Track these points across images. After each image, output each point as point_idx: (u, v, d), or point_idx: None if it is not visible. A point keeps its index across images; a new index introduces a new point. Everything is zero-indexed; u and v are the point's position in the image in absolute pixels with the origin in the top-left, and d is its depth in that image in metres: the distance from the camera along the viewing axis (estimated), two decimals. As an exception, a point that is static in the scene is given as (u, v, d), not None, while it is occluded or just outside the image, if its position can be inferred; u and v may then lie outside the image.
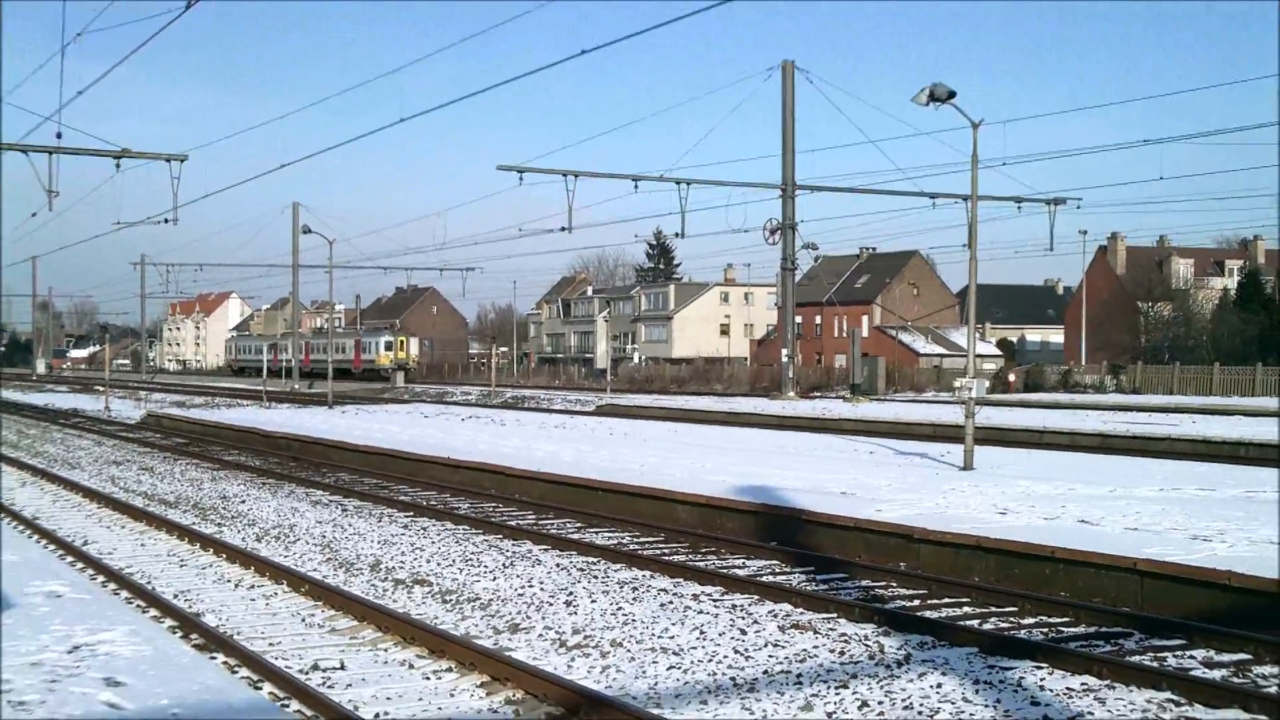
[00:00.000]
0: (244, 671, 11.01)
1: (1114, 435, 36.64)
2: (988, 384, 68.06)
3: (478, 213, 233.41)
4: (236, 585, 15.65)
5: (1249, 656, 11.69)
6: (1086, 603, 13.97)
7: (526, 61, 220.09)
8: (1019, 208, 58.00)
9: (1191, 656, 11.78)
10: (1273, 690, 10.68)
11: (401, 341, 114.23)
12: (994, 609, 13.91)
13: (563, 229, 54.52)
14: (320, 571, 16.43)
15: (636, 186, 55.88)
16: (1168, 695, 10.32)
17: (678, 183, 55.39)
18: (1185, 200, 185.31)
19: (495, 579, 15.66)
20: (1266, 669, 11.35)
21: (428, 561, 17.06)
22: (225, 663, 11.26)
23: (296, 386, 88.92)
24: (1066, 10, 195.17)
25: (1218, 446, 33.66)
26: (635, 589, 14.90)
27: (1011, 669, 11.11)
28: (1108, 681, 10.74)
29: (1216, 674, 11.17)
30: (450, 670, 11.28)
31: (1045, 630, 12.97)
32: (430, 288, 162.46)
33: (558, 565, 16.69)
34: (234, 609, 14.17)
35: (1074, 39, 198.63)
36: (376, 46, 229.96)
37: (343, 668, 11.46)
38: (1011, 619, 13.50)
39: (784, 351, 63.46)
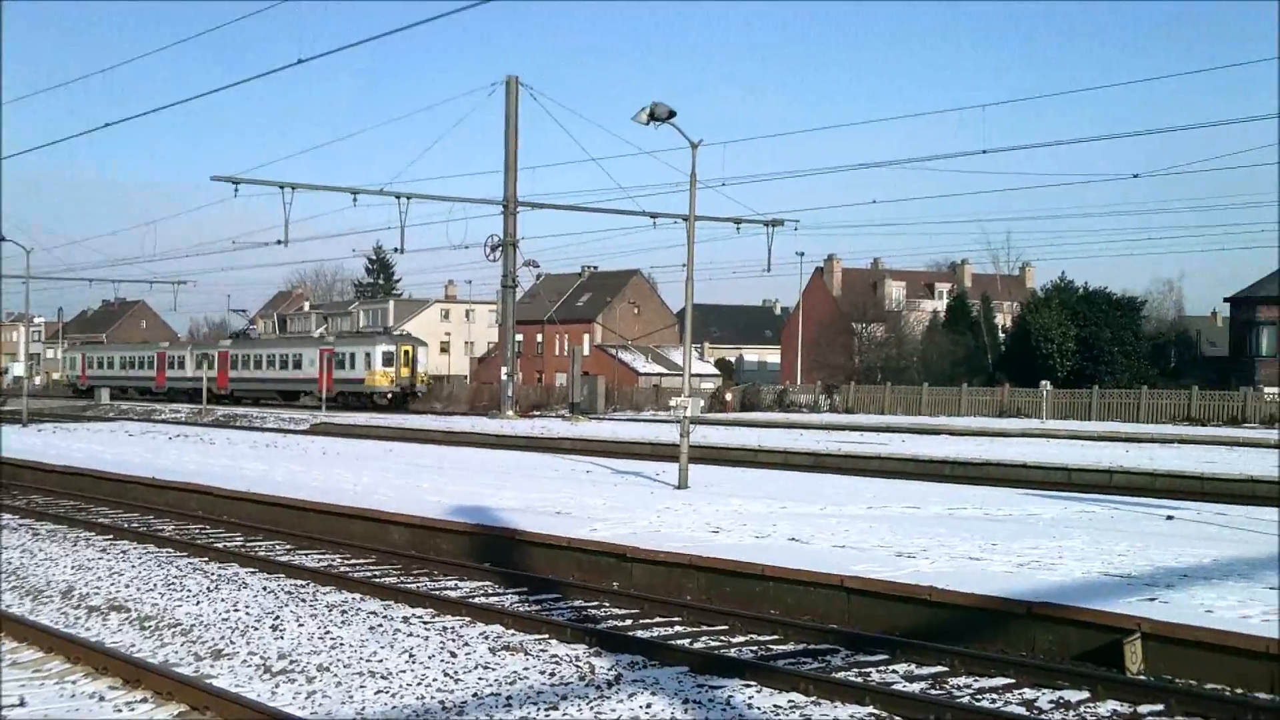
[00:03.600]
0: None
1: (826, 454, 37.58)
2: (703, 403, 69.38)
3: (191, 224, 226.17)
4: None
5: (947, 669, 12.02)
6: (795, 620, 14.17)
7: (242, 68, 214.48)
8: (738, 228, 59.28)
9: (894, 670, 12.03)
10: (965, 700, 10.99)
11: (406, 354, 78.66)
12: (705, 627, 13.99)
13: (279, 242, 53.40)
14: (3, 601, 15.51)
15: (355, 200, 55.22)
16: (870, 710, 10.49)
17: (398, 196, 54.91)
18: (898, 224, 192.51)
19: (199, 603, 15.04)
20: (962, 680, 11.69)
21: (126, 587, 16.28)
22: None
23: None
24: (786, 33, 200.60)
25: (925, 465, 34.85)
26: (344, 612, 14.50)
27: (721, 687, 11.15)
28: (814, 698, 10.86)
29: (916, 686, 11.44)
30: (146, 701, 10.72)
31: (755, 648, 13.09)
32: (140, 301, 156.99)
33: (265, 588, 16.13)
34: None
35: (792, 61, 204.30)
36: (82, 46, 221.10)
37: (22, 704, 10.76)
38: (722, 637, 13.59)
39: (504, 370, 63.33)
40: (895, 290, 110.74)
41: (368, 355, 77.64)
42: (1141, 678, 11.63)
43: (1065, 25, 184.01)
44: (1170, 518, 20.84)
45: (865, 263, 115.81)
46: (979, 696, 11.20)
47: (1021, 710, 10.78)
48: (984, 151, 39.96)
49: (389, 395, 76.35)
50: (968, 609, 13.36)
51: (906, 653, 12.54)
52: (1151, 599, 12.96)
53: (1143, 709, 10.69)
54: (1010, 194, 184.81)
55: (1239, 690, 11.24)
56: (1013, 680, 11.62)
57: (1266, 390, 62.49)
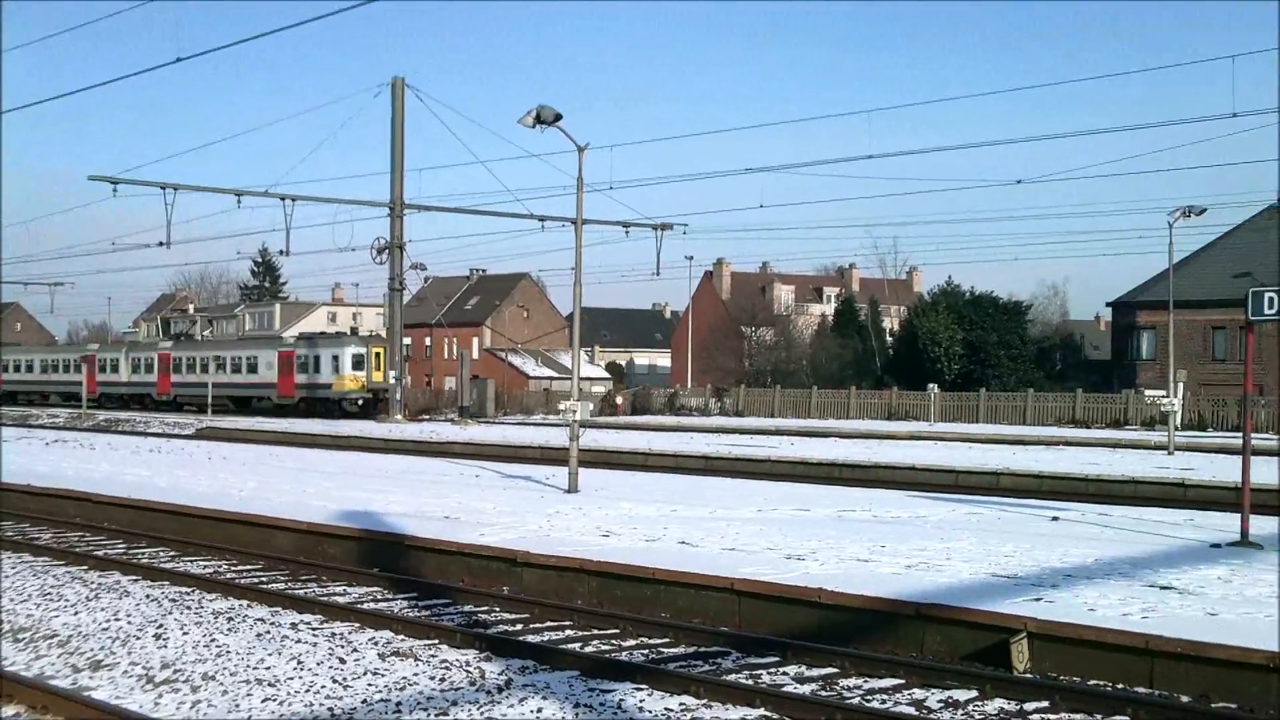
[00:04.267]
0: None
1: (717, 457, 37.72)
2: (593, 406, 69.30)
3: (69, 225, 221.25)
4: None
5: (837, 670, 12.08)
6: (686, 623, 14.17)
7: (121, 65, 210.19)
8: (627, 232, 59.32)
9: (784, 673, 12.07)
10: (855, 701, 11.04)
11: (378, 356, 69.50)
12: (596, 631, 13.94)
13: (161, 244, 52.55)
14: (-124, 610, 15.06)
15: (240, 201, 54.56)
16: (761, 712, 10.51)
17: (283, 198, 54.31)
18: (787, 228, 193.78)
19: (77, 613, 14.70)
20: (851, 680, 11.75)
21: None
22: None
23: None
24: (673, 37, 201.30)
25: (815, 467, 35.09)
26: (231, 619, 14.25)
27: (612, 691, 11.11)
28: (704, 701, 10.86)
29: (807, 688, 11.48)
30: (19, 716, 10.45)
31: (646, 651, 13.06)
32: (14, 303, 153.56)
33: (148, 596, 15.80)
34: None
35: (680, 65, 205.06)
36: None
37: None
38: (613, 641, 13.54)
39: (391, 373, 62.80)
40: (784, 294, 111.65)
41: (335, 358, 70.48)
42: (1028, 676, 11.78)
43: (949, 30, 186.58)
44: (1055, 519, 21.16)
45: (754, 266, 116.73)
46: (869, 697, 11.26)
47: (911, 710, 10.86)
48: (870, 156, 40.32)
49: (359, 401, 69.79)
50: (857, 610, 13.45)
51: (797, 654, 12.58)
52: (1037, 599, 13.14)
53: (1029, 706, 10.82)
54: (897, 199, 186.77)
55: (1120, 685, 11.44)
56: (902, 681, 11.71)
57: (1147, 393, 63.71)
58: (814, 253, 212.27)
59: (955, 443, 45.38)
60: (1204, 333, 68.88)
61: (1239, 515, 18.02)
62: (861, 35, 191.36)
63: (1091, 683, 11.57)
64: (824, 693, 11.38)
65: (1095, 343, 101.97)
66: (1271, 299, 17.27)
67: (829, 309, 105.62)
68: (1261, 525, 19.35)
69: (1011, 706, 10.87)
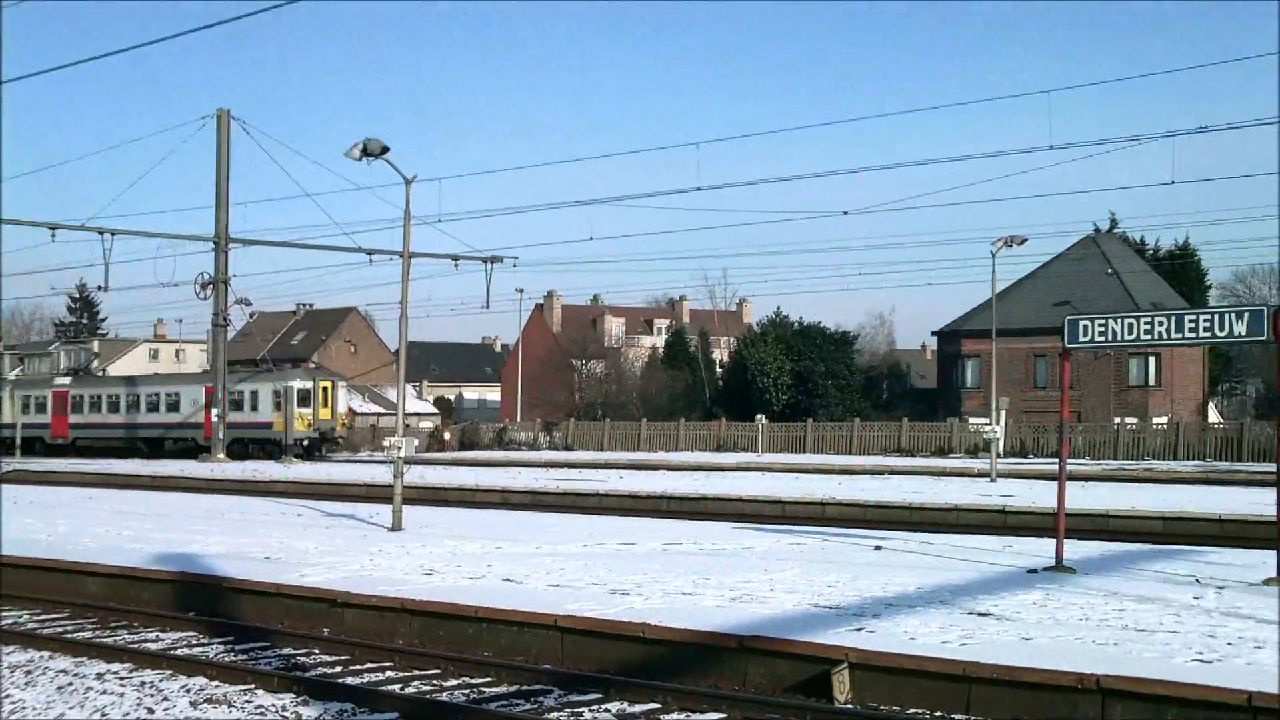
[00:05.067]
0: None
1: (544, 492, 37.52)
2: (416, 442, 68.39)
3: None
4: None
5: (659, 705, 11.97)
6: (509, 661, 13.96)
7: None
8: (456, 265, 58.96)
9: (607, 709, 11.92)
10: (681, 739, 10.97)
11: (325, 391, 65.63)
12: (417, 672, 13.64)
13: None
14: None
15: (54, 235, 53.06)
16: (582, 751, 10.36)
17: (101, 232, 52.94)
18: (618, 260, 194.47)
19: None
20: (674, 715, 11.66)
21: None
22: None
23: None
24: (499, 68, 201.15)
25: (642, 501, 35.08)
26: (29, 672, 13.63)
27: (430, 735, 10.87)
28: (526, 741, 10.69)
29: (630, 726, 11.37)
30: None
31: (468, 691, 12.82)
32: None
33: (-58, 649, 15.09)
34: None
35: (511, 98, 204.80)
36: None
37: None
38: (434, 681, 13.26)
39: (214, 411, 61.45)
40: (615, 326, 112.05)
41: (277, 394, 64.26)
42: (849, 706, 11.80)
43: (773, 62, 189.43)
44: (879, 548, 21.37)
45: (585, 299, 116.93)
46: (691, 732, 11.18)
47: (732, 744, 10.81)
48: (699, 189, 40.60)
49: (305, 442, 63.94)
50: (681, 644, 13.38)
51: (620, 691, 12.44)
52: (859, 629, 13.20)
53: (850, 738, 10.84)
54: (727, 230, 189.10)
55: (938, 713, 11.52)
56: (725, 715, 11.64)
57: (971, 420, 65.10)
58: (645, 285, 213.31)
59: (782, 473, 45.82)
60: (1026, 360, 70.66)
61: (1054, 541, 18.39)
62: (687, 67, 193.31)
63: (910, 711, 11.63)
64: (649, 730, 11.28)
65: (922, 371, 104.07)
66: (1087, 326, 17.70)
67: (660, 341, 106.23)
68: (1075, 549, 19.80)
69: (833, 737, 10.88)
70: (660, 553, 20.54)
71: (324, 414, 64.42)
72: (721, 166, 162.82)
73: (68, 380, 79.45)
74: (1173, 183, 50.30)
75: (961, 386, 74.92)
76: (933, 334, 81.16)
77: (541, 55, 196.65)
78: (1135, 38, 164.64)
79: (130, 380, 76.03)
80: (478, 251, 59.01)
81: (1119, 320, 17.56)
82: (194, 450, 65.24)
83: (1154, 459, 53.13)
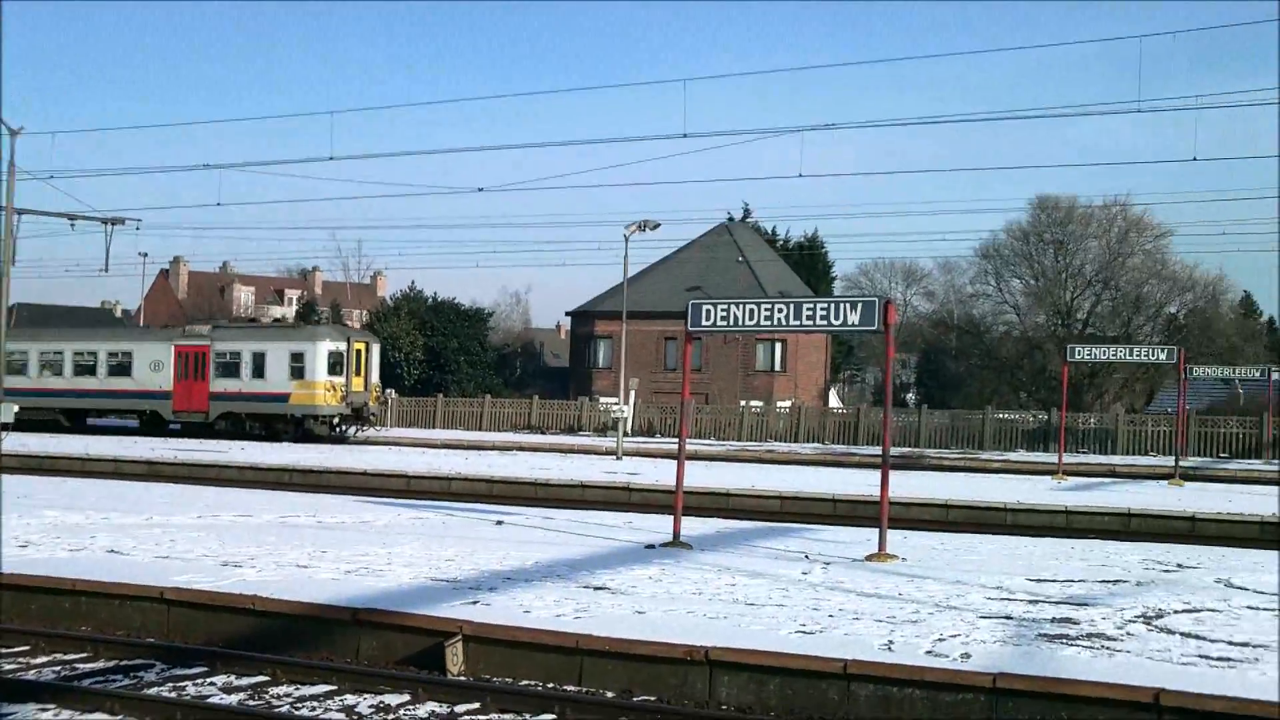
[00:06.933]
0: None
1: (162, 462, 36.11)
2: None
3: None
4: None
5: (268, 678, 11.65)
6: (109, 636, 13.31)
7: None
8: (72, 225, 55.92)
9: (212, 683, 11.50)
10: (284, 709, 10.66)
11: (359, 355, 50.97)
12: (4, 649, 12.83)
13: None
14: None
15: None
16: (181, 727, 9.95)
17: None
18: (249, 228, 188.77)
19: None
20: (282, 689, 11.35)
21: None
22: None
23: None
24: (128, 28, 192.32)
25: (264, 473, 34.22)
26: None
27: (12, 714, 10.23)
28: (120, 716, 10.23)
29: (235, 698, 10.99)
30: None
31: (59, 668, 12.12)
32: None
33: None
34: None
35: (131, 57, 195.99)
36: None
37: None
38: (22, 659, 12.49)
39: None
40: (244, 295, 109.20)
41: (296, 357, 49.81)
42: (461, 678, 11.72)
43: (409, 34, 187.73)
44: (500, 523, 21.40)
45: (215, 266, 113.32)
46: (299, 705, 10.89)
47: (340, 716, 10.58)
48: (332, 158, 39.66)
49: (335, 420, 50.36)
50: (293, 617, 13.07)
51: (227, 664, 12.03)
52: (475, 602, 13.15)
53: (460, 709, 10.76)
54: (362, 201, 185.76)
55: (551, 684, 11.57)
56: (335, 687, 11.40)
57: (602, 400, 66.05)
58: (278, 254, 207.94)
59: (409, 448, 45.40)
60: (657, 343, 72.21)
61: (673, 517, 18.79)
62: (323, 33, 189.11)
63: (524, 683, 11.63)
64: (252, 702, 10.94)
65: (556, 351, 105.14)
66: (710, 311, 18.10)
67: (291, 311, 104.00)
68: (694, 526, 20.31)
69: (443, 709, 10.78)
70: (278, 525, 20.02)
71: (357, 384, 50.45)
72: (358, 137, 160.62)
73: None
74: (800, 176, 51.79)
75: (593, 366, 76.06)
76: (567, 314, 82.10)
77: (171, 10, 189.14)
78: (769, 35, 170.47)
79: (71, 335, 58.01)
80: (97, 212, 56.16)
81: (741, 306, 18.04)
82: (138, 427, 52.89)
83: (777, 441, 55.04)
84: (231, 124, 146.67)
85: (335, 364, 49.62)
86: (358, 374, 50.37)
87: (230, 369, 50.51)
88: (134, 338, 57.08)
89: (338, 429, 50.23)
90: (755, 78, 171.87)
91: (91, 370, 53.29)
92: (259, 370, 50.04)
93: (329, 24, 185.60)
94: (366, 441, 48.64)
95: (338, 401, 49.34)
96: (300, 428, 49.55)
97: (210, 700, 10.87)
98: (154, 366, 51.79)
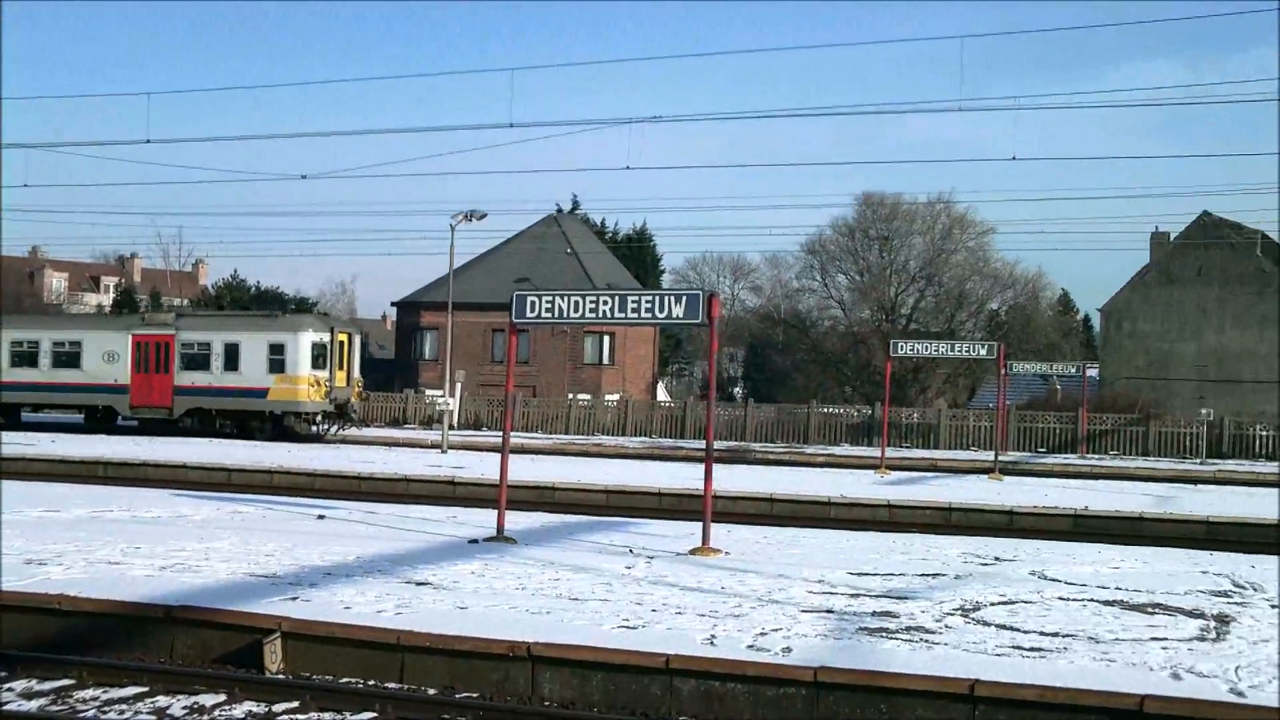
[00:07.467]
0: None
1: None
2: None
3: None
4: None
5: (74, 681, 11.24)
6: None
7: None
8: None
9: (10, 689, 11.05)
10: (91, 713, 10.30)
11: (342, 348, 48.17)
12: None
13: None
14: None
15: None
16: (-23, 734, 9.54)
17: None
18: (60, 211, 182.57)
19: None
20: (90, 692, 10.97)
21: None
22: None
23: None
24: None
25: (76, 466, 33.21)
26: None
27: None
28: (-89, 725, 9.77)
29: (35, 704, 10.58)
30: None
31: None
32: None
33: None
34: None
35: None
36: None
37: None
38: None
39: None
40: (56, 281, 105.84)
41: (276, 349, 46.40)
42: (280, 677, 11.46)
43: (233, 19, 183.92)
44: (322, 517, 21.03)
45: (23, 251, 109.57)
46: (106, 708, 10.53)
47: (151, 718, 10.25)
48: (149, 141, 38.50)
49: (318, 418, 47.31)
50: (102, 616, 12.65)
51: (29, 668, 11.57)
52: (294, 598, 12.88)
53: (278, 708, 10.52)
54: (182, 187, 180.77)
55: (372, 681, 11.37)
56: (146, 688, 11.06)
57: (428, 392, 65.40)
58: (93, 239, 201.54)
59: (224, 441, 44.34)
60: (484, 334, 71.71)
61: (497, 512, 18.64)
62: (142, 15, 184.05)
63: (344, 680, 11.42)
64: (54, 707, 10.53)
65: (382, 341, 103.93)
66: (534, 302, 17.97)
67: (107, 299, 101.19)
68: (518, 520, 20.18)
69: (260, 709, 10.52)
70: (88, 520, 19.39)
71: (340, 379, 47.49)
72: (177, 120, 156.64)
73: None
74: (628, 168, 51.45)
75: (420, 358, 75.28)
76: (393, 304, 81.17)
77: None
78: (599, 26, 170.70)
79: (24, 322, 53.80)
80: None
81: (566, 298, 17.94)
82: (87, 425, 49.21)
83: (604, 435, 55.05)
84: (38, 100, 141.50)
85: (319, 356, 46.50)
86: (340, 367, 47.68)
87: (198, 361, 46.97)
88: (84, 325, 53.20)
89: (318, 427, 47.55)
90: (584, 69, 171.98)
91: (33, 361, 49.09)
92: (232, 362, 46.67)
93: (152, 4, 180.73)
94: (188, 433, 47.35)
95: (322, 398, 46.36)
96: (279, 426, 46.47)
97: (8, 707, 10.44)
98: (107, 357, 47.87)
